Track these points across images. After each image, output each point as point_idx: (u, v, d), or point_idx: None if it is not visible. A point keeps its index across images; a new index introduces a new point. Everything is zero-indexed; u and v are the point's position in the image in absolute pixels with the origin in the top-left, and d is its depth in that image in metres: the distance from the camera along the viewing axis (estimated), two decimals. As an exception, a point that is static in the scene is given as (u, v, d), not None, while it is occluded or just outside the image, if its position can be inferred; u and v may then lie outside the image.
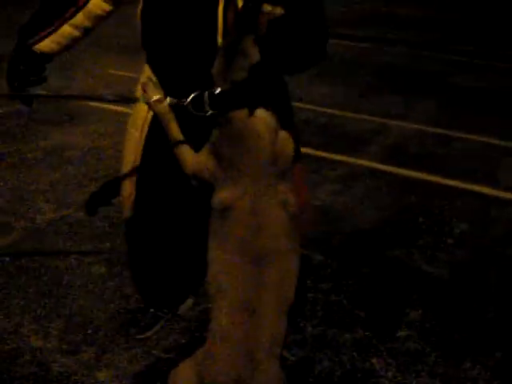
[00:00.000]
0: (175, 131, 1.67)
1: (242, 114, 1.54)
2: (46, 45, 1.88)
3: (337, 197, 3.62)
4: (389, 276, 2.85)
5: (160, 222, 2.14)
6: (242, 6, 1.62)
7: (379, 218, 3.39)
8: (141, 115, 2.02)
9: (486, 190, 3.70)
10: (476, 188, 3.72)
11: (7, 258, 2.94)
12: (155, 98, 1.63)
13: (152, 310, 2.45)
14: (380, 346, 2.37)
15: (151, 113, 1.92)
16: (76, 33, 1.91)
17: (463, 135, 4.66)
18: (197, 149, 1.67)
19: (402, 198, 3.63)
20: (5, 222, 3.28)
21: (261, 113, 1.55)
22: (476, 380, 2.23)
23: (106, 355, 2.31)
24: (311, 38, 1.70)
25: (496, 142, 4.53)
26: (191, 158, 1.65)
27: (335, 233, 3.20)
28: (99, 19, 1.94)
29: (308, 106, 5.20)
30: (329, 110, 5.23)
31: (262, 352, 1.49)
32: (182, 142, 1.67)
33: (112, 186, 2.19)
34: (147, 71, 1.97)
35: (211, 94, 1.56)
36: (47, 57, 1.92)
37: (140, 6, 1.89)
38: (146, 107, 1.90)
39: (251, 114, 1.54)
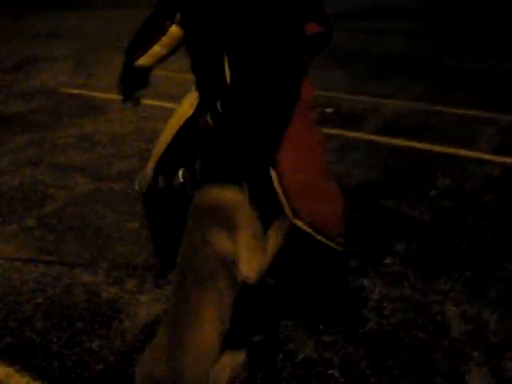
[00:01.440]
0: None
1: None
2: (143, 60, 2.42)
3: (334, 163, 4.11)
4: (379, 220, 3.35)
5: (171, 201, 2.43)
6: None
7: (372, 176, 3.89)
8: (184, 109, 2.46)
9: (465, 153, 4.20)
10: (457, 151, 4.22)
11: (54, 221, 3.48)
12: None
13: None
14: (369, 270, 2.88)
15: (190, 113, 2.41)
16: (163, 51, 2.40)
17: (448, 109, 5.15)
18: None
19: (392, 161, 4.13)
20: (49, 193, 3.82)
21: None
22: (448, 291, 2.73)
23: (145, 285, 2.84)
24: None
25: (477, 113, 5.03)
26: None
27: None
28: (179, 41, 2.39)
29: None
30: (329, 94, 5.73)
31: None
32: None
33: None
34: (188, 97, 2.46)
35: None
36: (146, 69, 2.47)
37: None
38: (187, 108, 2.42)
39: None
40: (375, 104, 5.40)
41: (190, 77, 2.41)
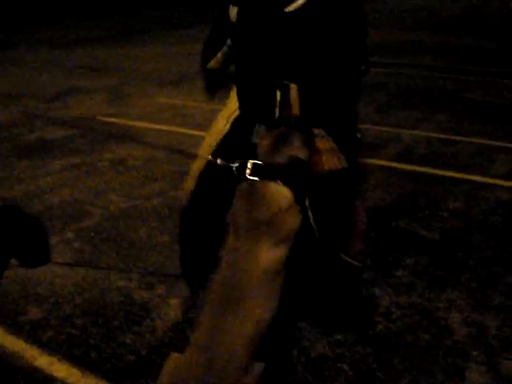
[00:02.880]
0: None
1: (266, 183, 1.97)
2: (212, 64, 2.52)
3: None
4: (391, 238, 3.58)
5: (208, 219, 2.53)
6: None
7: (387, 199, 4.13)
8: (230, 108, 2.50)
9: (477, 178, 4.43)
10: (470, 177, 4.45)
11: (92, 233, 3.78)
12: None
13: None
14: (381, 281, 3.11)
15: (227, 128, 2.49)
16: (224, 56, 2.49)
17: (465, 138, 5.39)
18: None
19: (407, 186, 4.37)
20: (86, 209, 4.14)
21: (281, 188, 1.94)
22: (455, 300, 2.94)
23: (174, 290, 3.10)
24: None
25: (492, 142, 5.26)
26: None
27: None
28: None
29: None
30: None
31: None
32: None
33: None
34: (234, 96, 2.48)
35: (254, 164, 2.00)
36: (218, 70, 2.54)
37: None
38: (235, 104, 2.49)
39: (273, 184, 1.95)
40: (394, 134, 5.66)
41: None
